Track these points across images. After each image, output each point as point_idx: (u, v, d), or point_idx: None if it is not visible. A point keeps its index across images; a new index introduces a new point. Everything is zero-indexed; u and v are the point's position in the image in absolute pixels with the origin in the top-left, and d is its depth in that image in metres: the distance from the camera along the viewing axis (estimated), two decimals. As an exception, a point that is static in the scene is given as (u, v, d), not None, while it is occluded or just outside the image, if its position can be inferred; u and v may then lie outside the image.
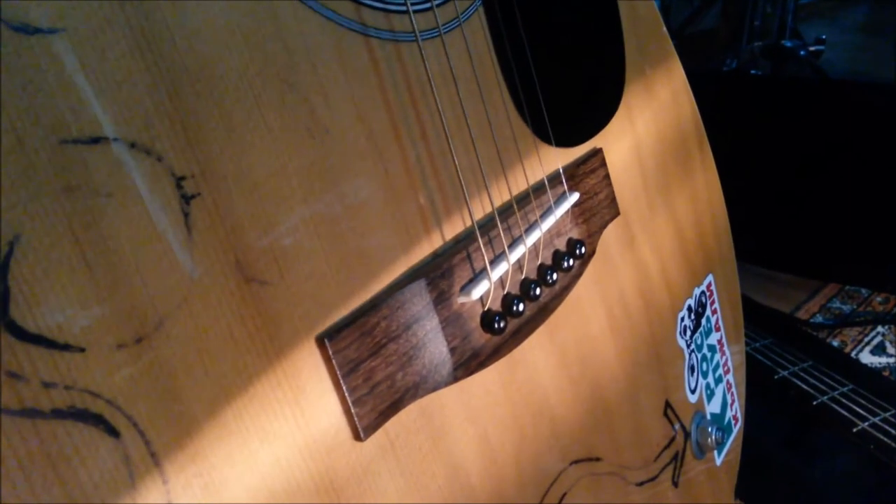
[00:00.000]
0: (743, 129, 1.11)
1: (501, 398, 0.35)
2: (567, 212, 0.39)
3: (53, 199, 0.20)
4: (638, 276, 0.47)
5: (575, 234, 0.40)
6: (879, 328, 1.02)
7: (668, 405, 0.49)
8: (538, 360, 0.38)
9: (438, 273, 0.31)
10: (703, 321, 0.54)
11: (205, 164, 0.24)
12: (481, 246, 0.33)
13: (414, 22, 0.31)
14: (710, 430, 0.52)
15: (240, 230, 0.25)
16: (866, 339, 1.00)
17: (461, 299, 0.32)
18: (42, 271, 0.20)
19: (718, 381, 0.56)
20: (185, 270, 0.23)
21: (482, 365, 0.33)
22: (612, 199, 0.44)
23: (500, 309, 0.34)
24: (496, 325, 0.33)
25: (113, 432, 0.21)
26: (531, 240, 0.36)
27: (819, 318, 1.05)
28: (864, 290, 1.11)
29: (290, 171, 0.27)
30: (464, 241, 0.33)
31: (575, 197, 0.40)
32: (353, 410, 0.27)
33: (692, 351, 0.52)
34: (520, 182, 0.37)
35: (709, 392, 0.54)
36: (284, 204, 0.26)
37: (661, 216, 0.50)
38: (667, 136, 0.51)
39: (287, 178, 0.26)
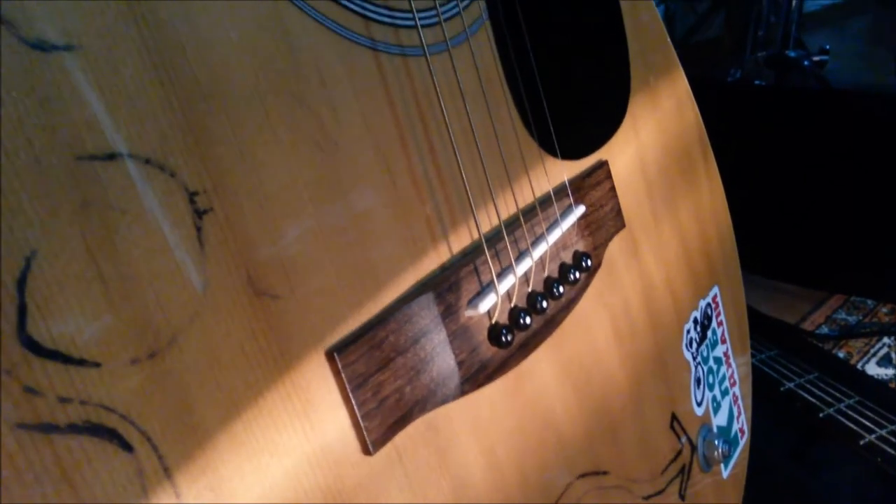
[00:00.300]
0: (748, 140, 1.11)
1: (508, 411, 0.35)
2: (573, 224, 0.39)
3: (69, 215, 0.21)
4: (643, 288, 0.47)
5: (581, 247, 0.40)
6: (885, 339, 1.01)
7: (674, 418, 0.49)
8: (544, 373, 0.38)
9: (446, 286, 0.32)
10: (709, 333, 0.54)
11: (217, 179, 0.24)
12: (488, 259, 0.33)
13: (422, 36, 0.31)
14: (716, 442, 0.52)
15: (251, 244, 0.25)
16: (872, 351, 0.99)
17: (469, 312, 0.32)
18: (58, 287, 0.20)
19: (724, 393, 0.56)
20: (198, 285, 0.23)
21: (489, 378, 0.33)
22: (618, 212, 0.44)
23: (507, 322, 0.34)
24: (503, 339, 0.33)
25: (127, 447, 0.21)
26: (538, 252, 0.36)
27: (824, 330, 1.05)
28: (869, 301, 1.10)
29: (300, 185, 0.27)
30: (471, 254, 0.33)
31: (581, 209, 0.40)
32: (362, 424, 0.27)
33: (698, 363, 0.52)
34: (526, 195, 0.38)
35: (715, 405, 0.54)
36: (295, 217, 0.26)
37: (666, 227, 0.50)
38: (671, 146, 0.52)
39: (297, 191, 0.27)
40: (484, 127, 0.35)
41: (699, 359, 0.53)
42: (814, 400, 0.86)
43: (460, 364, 0.32)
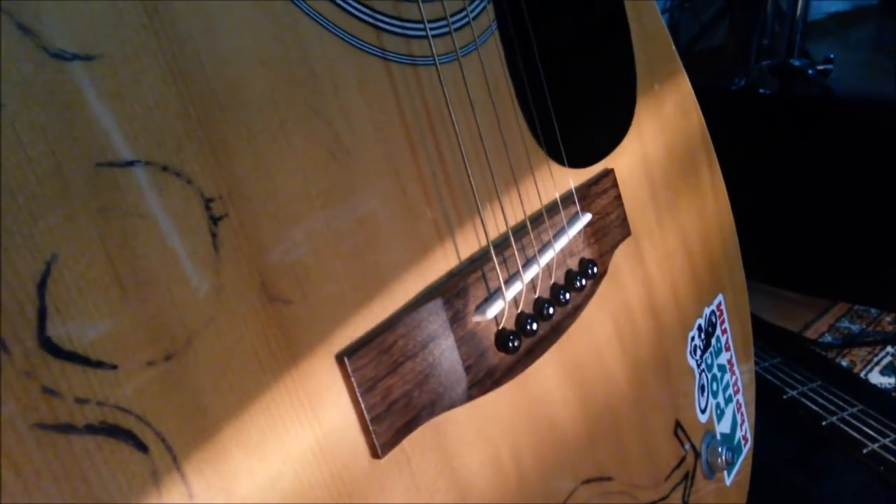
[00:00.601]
0: (752, 148, 1.11)
1: (514, 417, 0.36)
2: (579, 232, 0.40)
3: (89, 220, 0.21)
4: (648, 295, 0.47)
5: (587, 254, 0.41)
6: (889, 348, 1.01)
7: (678, 425, 0.50)
8: (550, 379, 0.38)
9: (454, 292, 0.32)
10: (713, 341, 0.54)
11: (232, 186, 0.25)
12: (496, 265, 0.34)
13: (432, 46, 0.32)
14: (720, 450, 0.52)
15: (264, 250, 0.25)
16: (875, 359, 0.99)
17: (476, 318, 0.33)
18: (77, 290, 0.21)
19: (728, 400, 0.56)
20: (213, 290, 0.24)
21: (496, 383, 0.34)
22: (624, 219, 0.45)
23: (514, 328, 0.34)
24: (510, 344, 0.33)
25: (142, 447, 0.21)
26: (545, 259, 0.36)
27: (828, 338, 1.05)
28: (873, 310, 1.11)
29: (313, 192, 0.27)
30: (479, 261, 0.34)
31: (587, 217, 0.40)
32: (371, 428, 0.28)
33: (702, 371, 0.53)
34: (533, 202, 0.38)
35: (719, 412, 0.55)
36: (307, 224, 0.27)
37: (671, 235, 0.50)
38: (676, 154, 0.52)
39: (310, 198, 0.27)
40: (492, 135, 0.36)
41: (703, 366, 0.53)
42: (817, 408, 0.86)
43: (468, 369, 0.32)
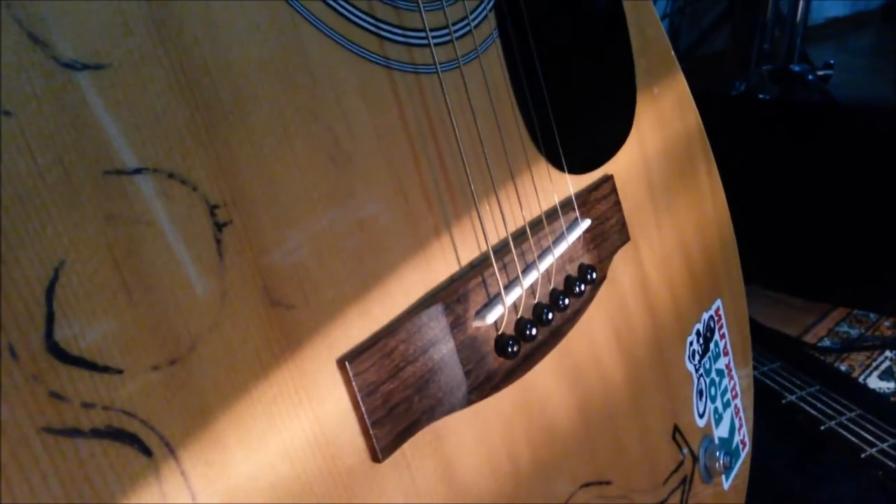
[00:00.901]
0: (752, 153, 1.12)
1: (513, 421, 0.36)
2: (579, 237, 0.40)
3: (96, 226, 0.21)
4: (647, 300, 0.48)
5: (586, 260, 0.41)
6: (887, 353, 1.02)
7: (676, 429, 0.50)
8: (549, 383, 0.38)
9: (455, 298, 0.32)
10: (712, 346, 0.55)
11: (236, 192, 0.25)
12: (496, 271, 0.34)
13: (434, 55, 0.32)
14: (718, 454, 0.53)
15: (267, 255, 0.26)
16: (874, 364, 1.00)
17: (476, 323, 0.33)
18: (84, 296, 0.21)
19: (726, 405, 0.56)
20: (217, 295, 0.24)
21: (496, 388, 0.34)
22: (623, 225, 0.45)
23: (513, 333, 0.35)
24: (510, 349, 0.34)
25: (146, 451, 0.22)
26: (544, 265, 0.37)
27: (827, 342, 1.06)
28: (872, 315, 1.11)
29: (315, 198, 0.28)
30: (479, 266, 0.34)
31: (586, 223, 0.40)
32: (371, 432, 0.28)
33: (700, 375, 0.53)
34: (533, 208, 0.38)
35: (717, 416, 0.55)
36: (309, 230, 0.27)
37: (670, 240, 0.51)
38: (675, 159, 0.52)
39: (312, 204, 0.28)
40: (493, 142, 0.36)
41: (701, 371, 0.53)
42: (815, 413, 0.86)
43: (467, 374, 0.33)
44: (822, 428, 0.84)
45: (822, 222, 1.09)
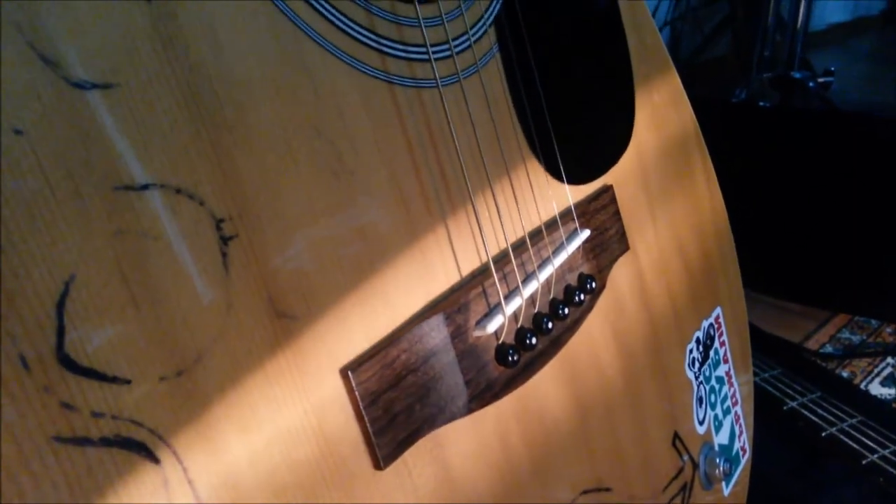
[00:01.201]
0: (753, 159, 1.12)
1: (513, 428, 0.36)
2: (578, 248, 0.41)
3: (106, 241, 0.22)
4: (647, 308, 0.48)
5: (586, 269, 0.42)
6: (889, 359, 1.02)
7: (676, 436, 0.50)
8: (549, 391, 0.39)
9: (455, 308, 0.33)
10: (712, 353, 0.55)
11: (242, 206, 0.26)
12: (496, 281, 0.34)
13: (435, 69, 0.33)
14: (718, 461, 0.53)
15: (271, 268, 0.26)
16: (876, 371, 1.00)
17: (477, 333, 0.34)
18: (94, 309, 0.22)
19: (727, 412, 0.57)
20: (223, 307, 0.25)
21: (496, 397, 0.34)
22: (622, 235, 0.46)
23: (513, 342, 0.35)
24: (510, 359, 0.34)
25: (154, 459, 0.22)
26: (544, 275, 0.37)
27: (828, 349, 1.06)
28: (873, 321, 1.11)
29: (318, 211, 0.28)
30: (479, 277, 0.35)
31: (586, 234, 0.41)
32: (373, 440, 0.29)
33: (700, 383, 0.53)
34: (533, 219, 0.39)
35: (717, 423, 0.55)
36: (312, 242, 0.28)
37: (669, 249, 0.51)
38: (674, 169, 0.53)
39: (315, 217, 0.28)
40: (493, 154, 0.37)
41: (701, 378, 0.54)
42: (816, 419, 0.86)
43: (468, 383, 0.33)
44: (824, 434, 0.84)
45: (823, 229, 1.09)
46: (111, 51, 0.23)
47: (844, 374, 0.99)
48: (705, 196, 0.56)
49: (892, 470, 0.78)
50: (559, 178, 0.41)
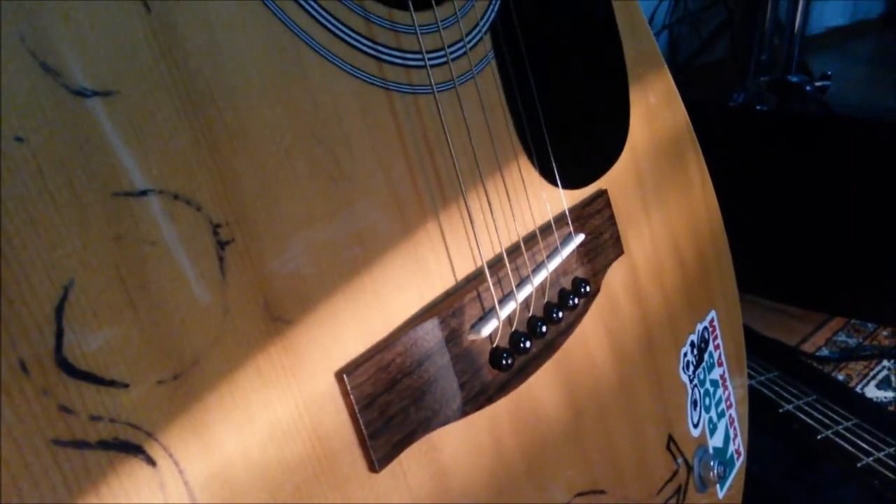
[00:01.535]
0: (750, 163, 1.13)
1: (507, 431, 0.37)
2: (572, 252, 0.41)
3: (104, 246, 0.22)
4: (641, 312, 0.49)
5: (580, 273, 0.42)
6: (885, 362, 1.02)
7: (670, 439, 0.51)
8: (544, 394, 0.39)
9: (450, 312, 0.33)
10: (706, 356, 0.55)
11: (239, 212, 0.26)
12: (490, 285, 0.35)
13: (431, 76, 0.33)
14: (712, 464, 0.53)
15: (268, 272, 0.27)
16: (872, 374, 1.00)
17: (471, 337, 0.34)
18: (92, 313, 0.22)
19: (721, 415, 0.57)
20: (219, 311, 0.25)
21: (490, 400, 0.35)
22: (617, 239, 0.46)
23: (507, 346, 0.36)
24: (504, 362, 0.35)
25: (151, 462, 0.23)
26: (538, 279, 0.37)
27: (825, 352, 1.06)
28: (869, 324, 1.11)
29: (315, 216, 0.29)
30: (474, 281, 0.35)
31: (580, 238, 0.41)
32: (368, 443, 0.29)
33: (695, 386, 0.54)
34: (528, 223, 0.39)
35: (711, 426, 0.56)
36: (309, 247, 0.28)
37: (664, 253, 0.52)
38: (669, 172, 0.53)
39: (312, 222, 0.29)
40: (488, 160, 0.37)
41: (696, 381, 0.54)
42: (812, 422, 0.87)
43: (462, 386, 0.33)
44: (819, 437, 0.84)
45: (820, 232, 1.10)
46: (111, 59, 0.23)
47: (840, 377, 1.00)
48: (700, 199, 0.57)
49: (887, 473, 0.79)
50: (554, 183, 0.41)
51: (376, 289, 0.31)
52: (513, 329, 0.36)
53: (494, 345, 0.35)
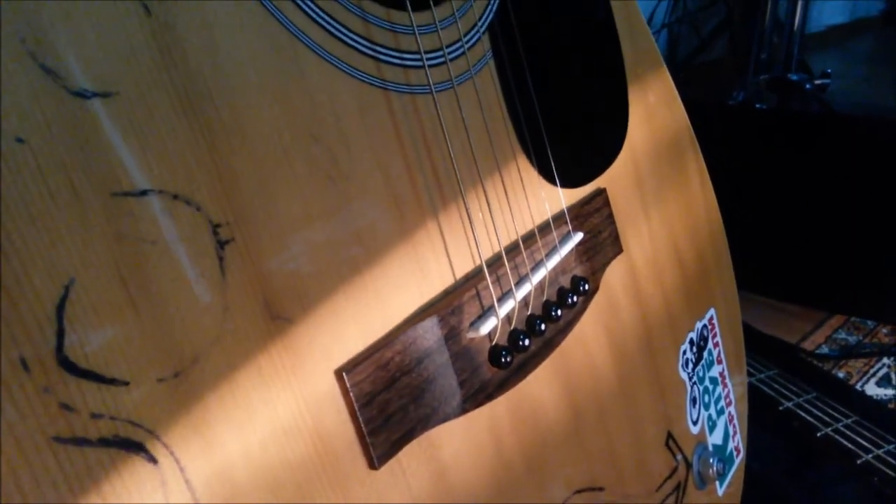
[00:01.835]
0: (750, 161, 1.13)
1: (506, 429, 0.37)
2: (571, 250, 0.41)
3: (105, 246, 0.23)
4: (640, 310, 0.49)
5: (579, 272, 0.42)
6: (885, 360, 1.02)
7: (670, 436, 0.51)
8: (542, 392, 0.39)
9: (449, 310, 0.33)
10: (705, 354, 0.56)
11: (238, 211, 0.26)
12: (489, 284, 0.35)
13: (429, 76, 0.33)
14: (711, 461, 0.54)
15: (267, 271, 0.27)
16: (872, 371, 1.00)
17: (470, 335, 0.34)
18: (93, 312, 0.22)
19: (720, 412, 0.57)
20: (219, 310, 0.25)
21: (489, 398, 0.35)
22: (616, 237, 0.46)
23: (506, 344, 0.36)
24: (503, 360, 0.35)
25: (152, 459, 0.23)
26: (537, 277, 0.38)
27: (825, 349, 1.06)
28: (869, 322, 1.11)
29: (314, 216, 0.29)
30: (473, 279, 0.35)
31: (579, 236, 0.42)
32: (368, 440, 0.29)
33: (694, 383, 0.54)
34: (526, 222, 0.39)
35: (710, 424, 0.56)
36: (308, 245, 0.28)
37: (663, 251, 0.52)
38: (668, 171, 0.54)
39: (310, 221, 0.29)
40: (487, 159, 0.37)
41: (695, 379, 0.54)
42: (812, 419, 0.87)
43: (461, 384, 0.34)
44: (819, 434, 0.84)
45: (820, 230, 1.10)
46: (111, 60, 0.23)
47: (840, 375, 1.00)
48: (699, 197, 0.57)
49: (886, 470, 0.79)
50: (552, 182, 0.41)
51: (375, 287, 0.31)
52: (512, 327, 0.36)
53: (493, 343, 0.35)
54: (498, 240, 0.37)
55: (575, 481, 0.42)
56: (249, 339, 0.26)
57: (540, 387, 0.39)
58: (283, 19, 0.28)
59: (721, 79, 1.38)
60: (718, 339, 0.57)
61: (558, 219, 0.41)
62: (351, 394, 0.29)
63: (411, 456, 0.32)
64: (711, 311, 0.57)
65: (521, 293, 0.36)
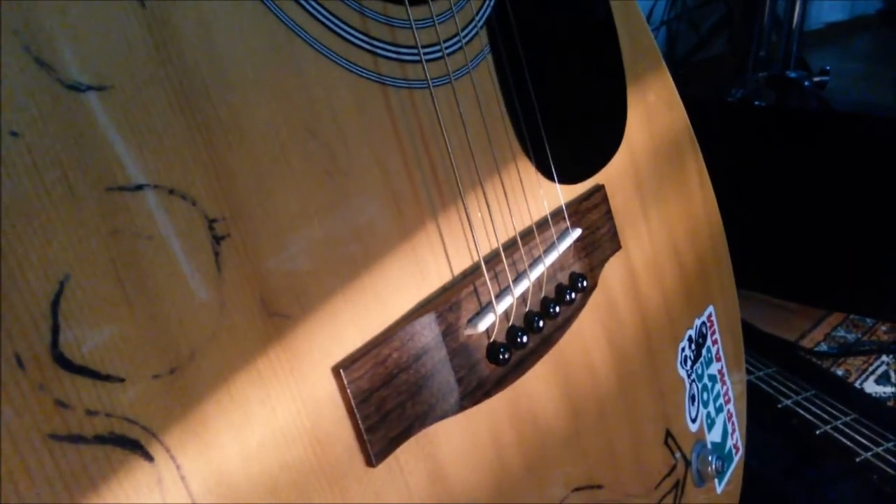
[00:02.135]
0: (748, 159, 1.13)
1: (504, 426, 0.37)
2: (569, 247, 0.41)
3: (100, 241, 0.22)
4: (638, 307, 0.49)
5: (577, 268, 0.42)
6: (884, 357, 1.02)
7: (668, 434, 0.51)
8: (540, 389, 0.39)
9: (447, 306, 0.33)
10: (704, 351, 0.55)
11: (235, 207, 0.26)
12: (487, 280, 0.35)
13: (426, 70, 0.33)
14: (710, 458, 0.54)
15: (264, 267, 0.27)
16: (871, 369, 1.00)
17: (468, 331, 0.34)
18: (88, 307, 0.22)
19: (719, 410, 0.57)
20: (215, 306, 0.25)
21: (487, 394, 0.35)
22: (614, 234, 0.46)
23: (504, 341, 0.36)
24: (501, 357, 0.35)
25: (148, 457, 0.23)
26: (535, 274, 0.37)
27: (823, 347, 1.06)
28: (868, 320, 1.11)
29: (311, 212, 0.29)
30: (471, 276, 0.35)
31: (577, 232, 0.41)
32: (365, 437, 0.29)
33: (693, 381, 0.54)
34: (524, 219, 0.39)
35: (709, 421, 0.56)
36: (305, 242, 0.28)
37: (661, 248, 0.52)
38: (667, 168, 0.53)
39: (308, 217, 0.29)
40: (484, 154, 0.37)
41: (693, 376, 0.54)
42: (811, 417, 0.87)
43: (459, 381, 0.33)
44: (818, 432, 0.84)
45: (819, 228, 1.10)
46: (106, 54, 0.23)
47: (839, 373, 1.00)
48: (698, 194, 0.57)
49: (886, 468, 0.79)
50: (551, 178, 0.41)
51: (373, 284, 0.31)
52: (510, 324, 0.36)
53: (491, 339, 0.35)
54: (496, 236, 0.37)
55: (573, 479, 0.42)
56: (246, 336, 0.26)
57: (538, 384, 0.39)
58: (280, 14, 0.28)
59: (720, 76, 1.38)
60: (717, 336, 0.57)
61: (556, 215, 0.41)
62: (348, 390, 0.29)
63: (409, 453, 0.31)
64: (710, 309, 0.57)
65: (519, 290, 0.36)
